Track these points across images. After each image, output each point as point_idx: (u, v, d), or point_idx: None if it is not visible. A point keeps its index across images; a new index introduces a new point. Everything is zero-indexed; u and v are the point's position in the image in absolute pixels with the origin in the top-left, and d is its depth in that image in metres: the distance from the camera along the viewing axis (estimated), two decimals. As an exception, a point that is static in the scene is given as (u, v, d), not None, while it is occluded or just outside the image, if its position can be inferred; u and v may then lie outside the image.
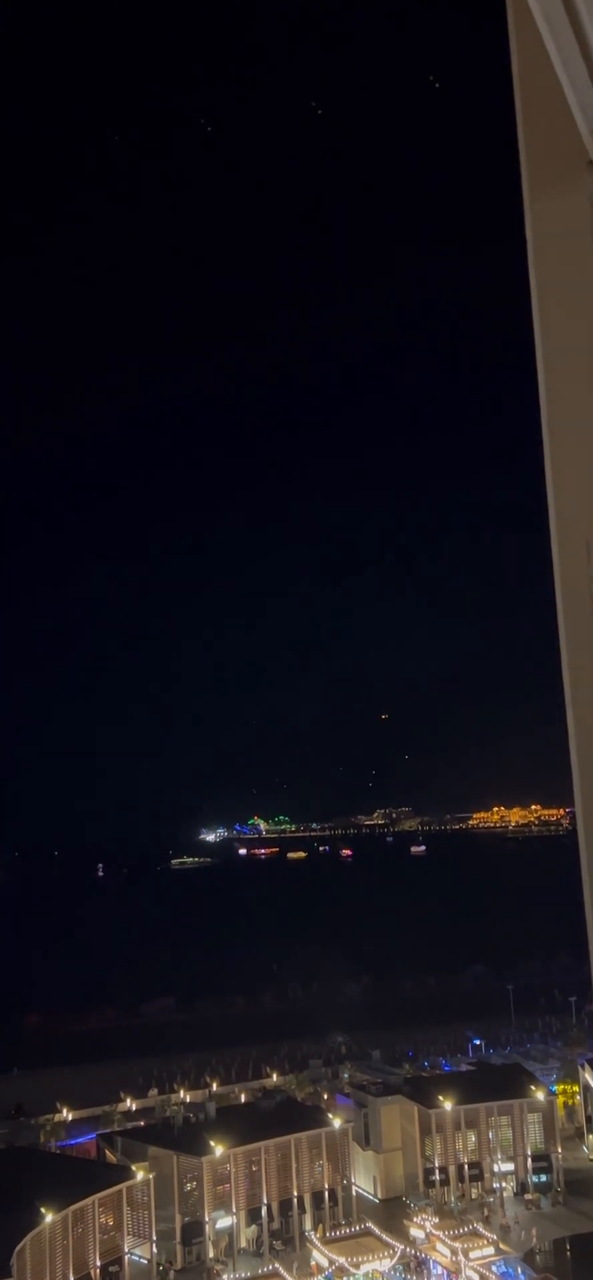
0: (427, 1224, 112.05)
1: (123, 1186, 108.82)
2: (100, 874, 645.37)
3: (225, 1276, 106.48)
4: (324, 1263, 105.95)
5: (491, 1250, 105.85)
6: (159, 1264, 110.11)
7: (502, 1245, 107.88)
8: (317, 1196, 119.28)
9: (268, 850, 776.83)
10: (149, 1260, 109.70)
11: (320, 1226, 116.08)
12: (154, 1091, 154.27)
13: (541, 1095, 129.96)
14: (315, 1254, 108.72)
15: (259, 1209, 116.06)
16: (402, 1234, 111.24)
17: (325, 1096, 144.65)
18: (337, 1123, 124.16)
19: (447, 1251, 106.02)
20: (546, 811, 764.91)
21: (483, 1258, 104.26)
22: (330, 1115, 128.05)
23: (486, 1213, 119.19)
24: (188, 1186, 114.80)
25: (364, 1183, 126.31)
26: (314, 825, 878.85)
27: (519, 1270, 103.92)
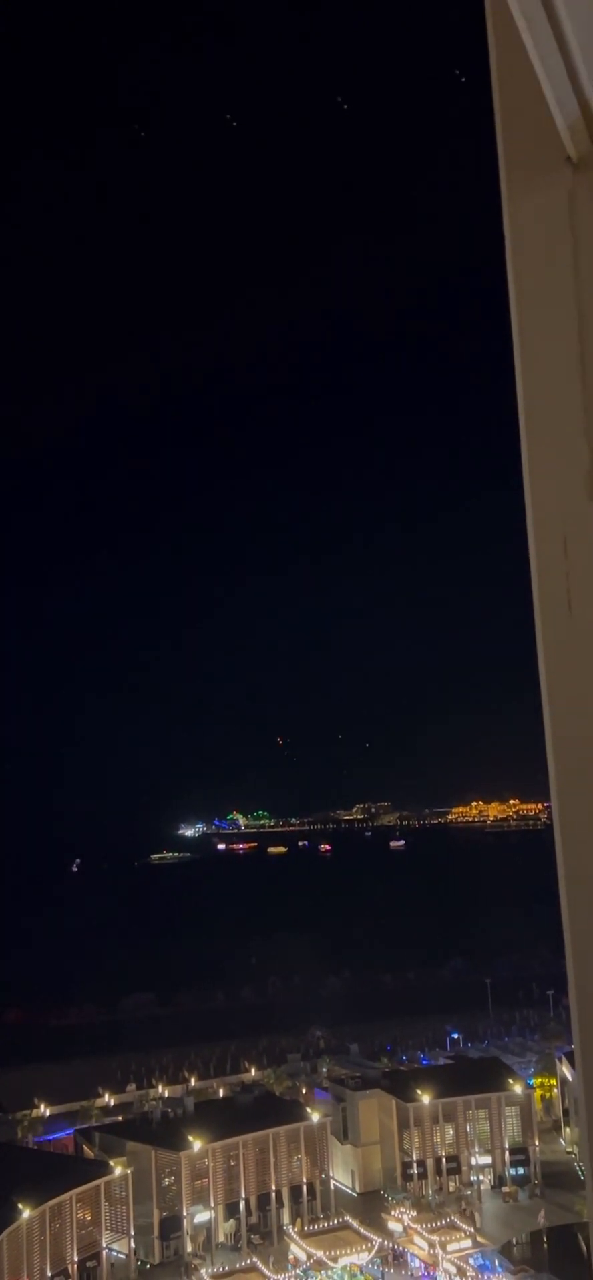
0: (404, 1217, 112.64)
1: (101, 1182, 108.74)
2: (75, 869, 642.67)
3: (203, 1271, 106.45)
4: (302, 1256, 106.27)
5: (468, 1243, 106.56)
6: (137, 1259, 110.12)
7: (479, 1238, 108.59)
8: (295, 1190, 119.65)
9: (247, 845, 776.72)
10: (127, 1255, 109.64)
11: (299, 1220, 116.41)
12: (132, 1087, 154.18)
13: (518, 1089, 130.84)
14: (293, 1248, 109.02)
15: (237, 1203, 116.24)
16: (380, 1227, 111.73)
17: (304, 1091, 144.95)
18: (315, 1117, 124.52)
19: (424, 1244, 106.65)
20: (524, 806, 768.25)
21: (461, 1250, 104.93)
22: (309, 1109, 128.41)
23: (463, 1206, 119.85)
24: (166, 1181, 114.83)
25: (342, 1176, 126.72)
26: (293, 820, 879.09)
27: (497, 1262, 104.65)
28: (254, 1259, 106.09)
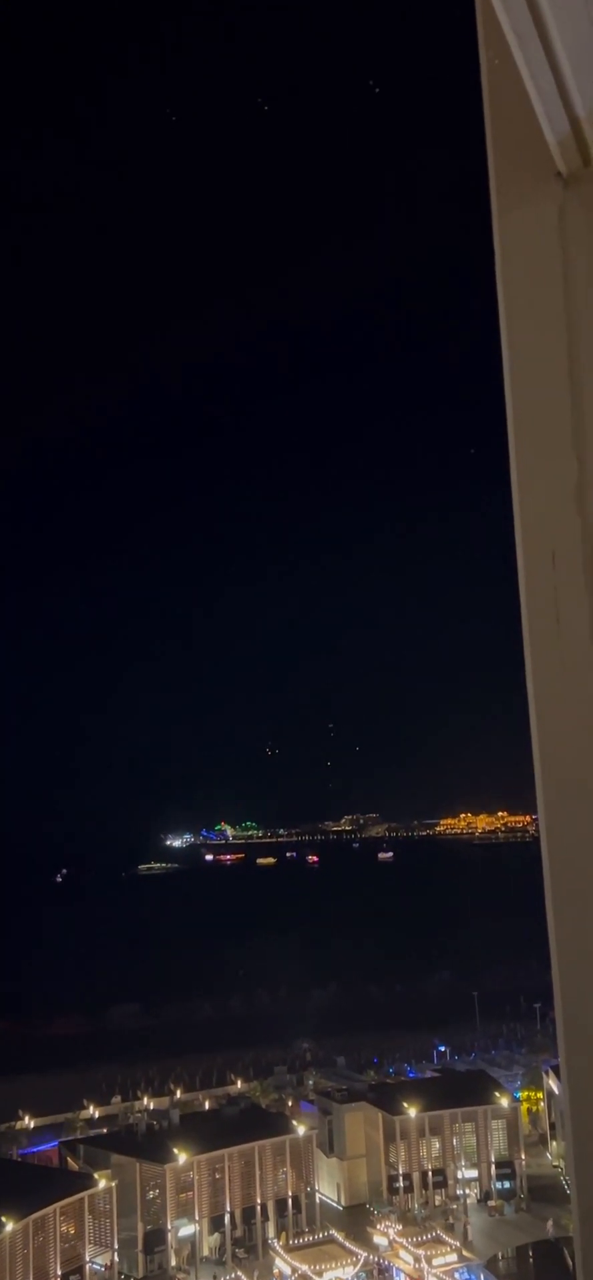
0: (390, 1231, 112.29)
1: (85, 1195, 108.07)
2: (59, 880, 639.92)
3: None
4: (287, 1270, 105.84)
5: (454, 1257, 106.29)
6: (120, 1273, 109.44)
7: (465, 1252, 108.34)
8: (280, 1204, 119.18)
9: (234, 856, 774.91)
10: (110, 1269, 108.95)
11: (284, 1234, 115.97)
12: (117, 1098, 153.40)
13: (505, 1102, 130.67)
14: (279, 1262, 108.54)
15: (222, 1216, 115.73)
16: (365, 1241, 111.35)
17: (290, 1103, 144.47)
18: (301, 1130, 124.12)
19: (410, 1259, 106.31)
20: (512, 818, 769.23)
21: (446, 1265, 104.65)
22: (295, 1122, 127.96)
23: (449, 1219, 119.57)
24: (150, 1194, 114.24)
25: (328, 1190, 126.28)
26: (281, 831, 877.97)
27: (482, 1277, 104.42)
28: (239, 1273, 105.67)
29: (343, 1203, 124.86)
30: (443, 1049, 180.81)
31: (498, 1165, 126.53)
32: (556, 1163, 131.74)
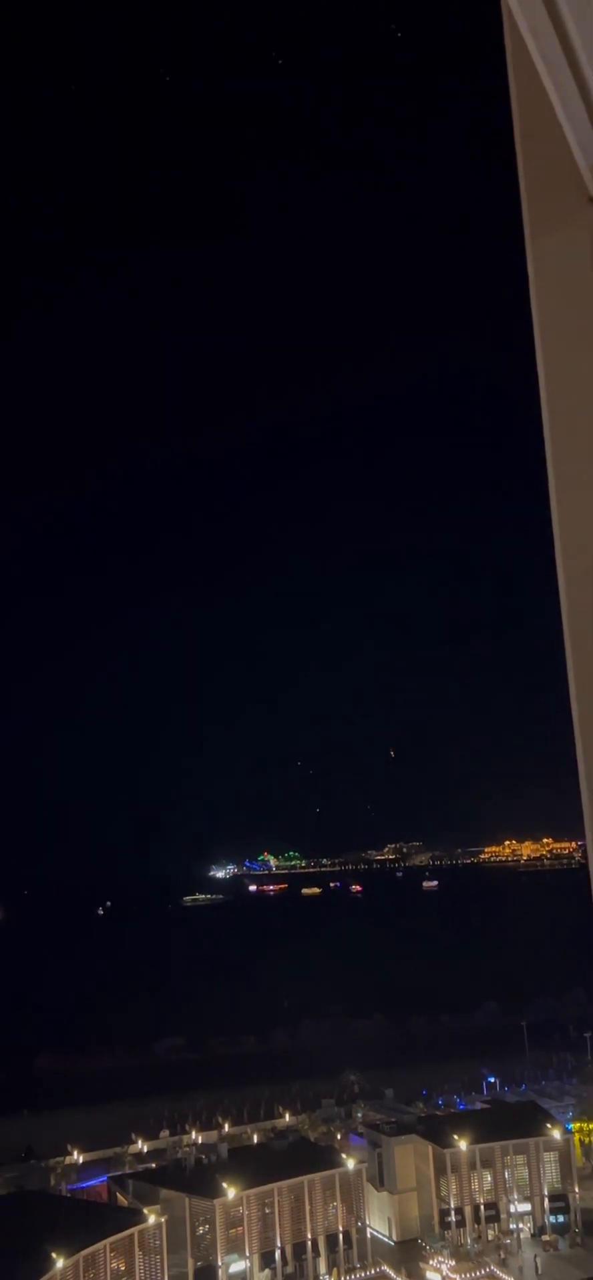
0: (443, 1266, 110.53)
1: (134, 1230, 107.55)
2: (101, 913, 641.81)
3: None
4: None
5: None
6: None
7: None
8: (331, 1239, 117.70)
9: (277, 886, 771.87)
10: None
11: (335, 1270, 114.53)
12: (165, 1133, 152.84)
13: (557, 1134, 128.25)
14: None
15: (273, 1252, 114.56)
16: (418, 1277, 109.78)
17: (339, 1136, 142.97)
18: (350, 1163, 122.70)
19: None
20: (557, 845, 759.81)
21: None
22: (344, 1155, 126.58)
23: (502, 1255, 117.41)
24: (200, 1229, 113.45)
25: (379, 1224, 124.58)
26: (325, 861, 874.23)
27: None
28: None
29: (394, 1237, 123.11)
30: (492, 1080, 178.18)
31: (551, 1198, 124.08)
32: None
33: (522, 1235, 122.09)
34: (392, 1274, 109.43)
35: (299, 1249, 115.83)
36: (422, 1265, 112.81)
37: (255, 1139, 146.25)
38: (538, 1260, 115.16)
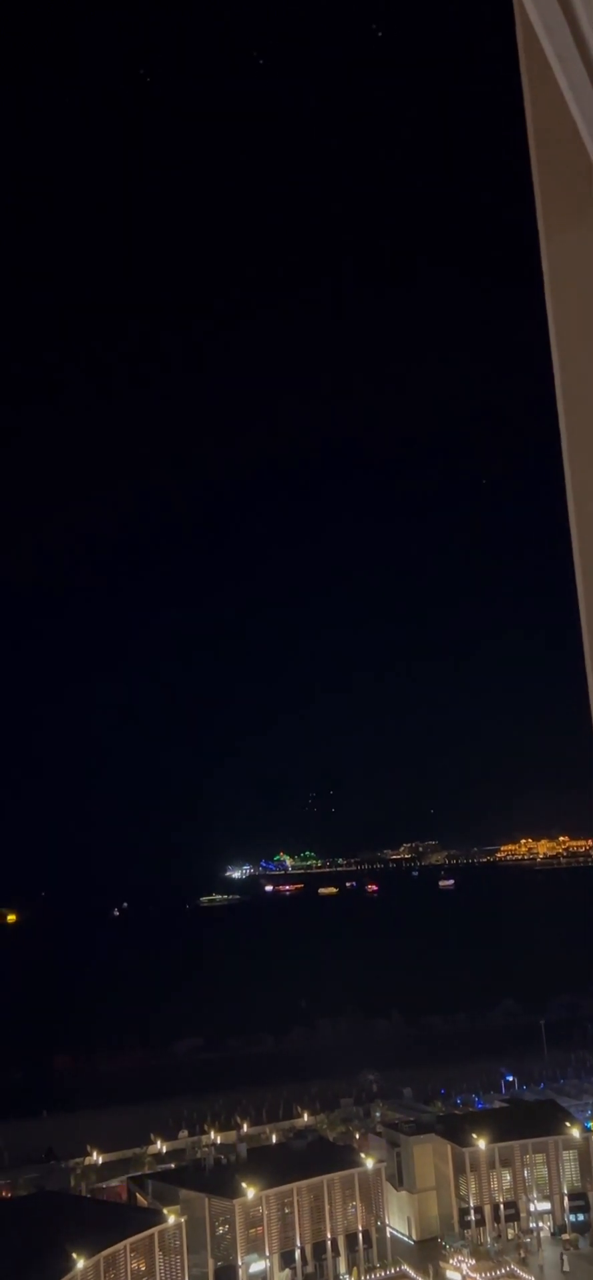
0: (463, 1266, 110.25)
1: (154, 1230, 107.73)
2: (117, 914, 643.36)
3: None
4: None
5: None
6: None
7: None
8: (350, 1238, 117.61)
9: (293, 887, 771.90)
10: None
11: (355, 1269, 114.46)
12: (184, 1133, 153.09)
13: (576, 1132, 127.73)
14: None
15: (292, 1252, 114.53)
16: (438, 1276, 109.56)
17: (357, 1136, 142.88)
18: (369, 1163, 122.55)
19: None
20: (574, 843, 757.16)
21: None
22: (363, 1155, 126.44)
23: (522, 1254, 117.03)
24: (220, 1230, 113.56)
25: (398, 1224, 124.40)
26: (340, 860, 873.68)
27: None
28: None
29: (414, 1237, 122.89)
30: (510, 1079, 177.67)
31: (571, 1197, 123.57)
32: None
33: (542, 1234, 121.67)
34: (412, 1273, 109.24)
35: (319, 1249, 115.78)
36: (442, 1264, 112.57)
37: (274, 1139, 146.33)
38: (564, 1258, 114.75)
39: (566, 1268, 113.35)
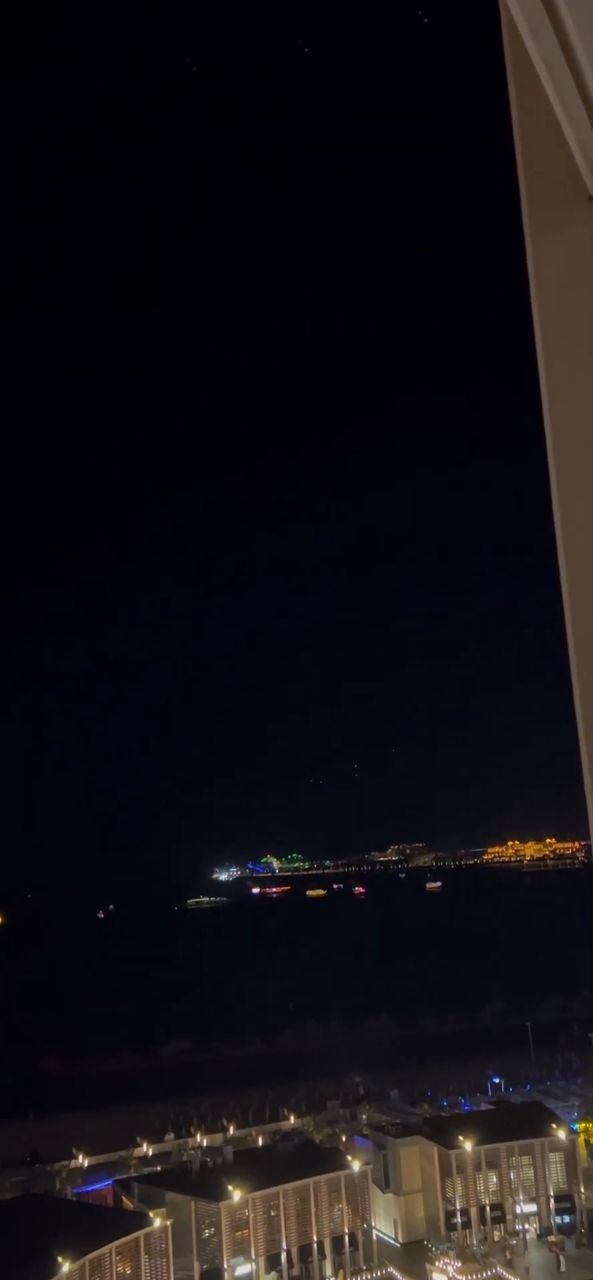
0: (449, 1268, 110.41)
1: (140, 1234, 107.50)
2: (102, 916, 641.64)
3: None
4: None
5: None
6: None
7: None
8: (337, 1241, 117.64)
9: (280, 889, 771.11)
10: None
11: (341, 1272, 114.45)
12: (170, 1136, 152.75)
13: (562, 1134, 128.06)
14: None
15: (279, 1254, 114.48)
16: (424, 1278, 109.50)
17: (344, 1138, 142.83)
18: (356, 1165, 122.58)
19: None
20: (561, 845, 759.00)
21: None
22: (349, 1157, 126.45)
23: (508, 1256, 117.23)
24: (206, 1233, 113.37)
25: (385, 1226, 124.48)
26: (328, 863, 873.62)
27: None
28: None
29: (400, 1239, 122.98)
30: (497, 1081, 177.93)
31: (557, 1199, 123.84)
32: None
33: (528, 1236, 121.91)
34: (398, 1276, 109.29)
35: (305, 1251, 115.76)
36: (428, 1267, 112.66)
37: (261, 1141, 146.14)
38: (561, 1259, 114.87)
39: (562, 1268, 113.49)
